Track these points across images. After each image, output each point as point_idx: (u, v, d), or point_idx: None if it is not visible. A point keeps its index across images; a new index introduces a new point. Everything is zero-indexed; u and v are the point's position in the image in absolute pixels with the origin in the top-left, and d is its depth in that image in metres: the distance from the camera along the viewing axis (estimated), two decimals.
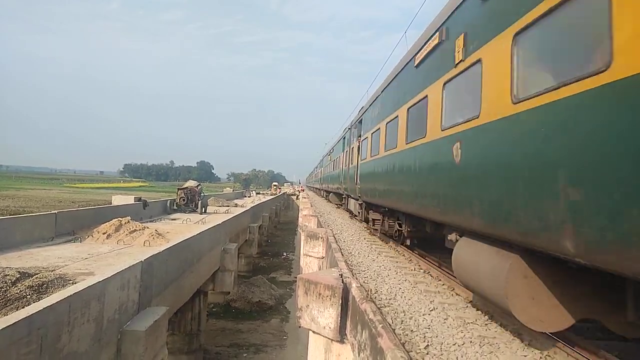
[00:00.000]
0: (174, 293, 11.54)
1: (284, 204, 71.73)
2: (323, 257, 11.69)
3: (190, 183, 31.83)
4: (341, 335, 5.81)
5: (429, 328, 5.07)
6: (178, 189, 30.89)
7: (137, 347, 8.07)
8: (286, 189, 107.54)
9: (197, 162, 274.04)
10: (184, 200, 29.37)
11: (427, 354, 4.33)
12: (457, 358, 4.26)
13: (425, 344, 4.55)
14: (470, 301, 6.46)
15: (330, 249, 10.00)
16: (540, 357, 4.41)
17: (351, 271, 7.55)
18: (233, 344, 19.18)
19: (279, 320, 22.58)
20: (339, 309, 5.80)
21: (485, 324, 5.39)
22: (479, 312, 5.96)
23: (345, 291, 5.92)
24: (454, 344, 4.58)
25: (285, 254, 39.94)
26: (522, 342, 4.81)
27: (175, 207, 28.94)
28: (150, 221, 22.74)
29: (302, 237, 14.68)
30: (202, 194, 31.05)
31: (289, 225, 58.66)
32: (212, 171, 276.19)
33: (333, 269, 7.30)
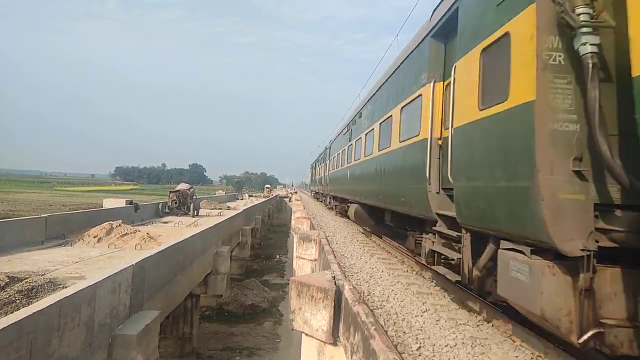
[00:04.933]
0: (166, 296, 11.47)
1: (276, 206, 71.60)
2: (316, 260, 11.68)
3: (183, 186, 31.67)
4: (334, 337, 5.80)
5: (422, 329, 5.09)
6: (170, 191, 30.69)
7: (129, 351, 8.00)
8: (279, 191, 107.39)
9: (190, 165, 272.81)
10: (176, 203, 29.20)
11: (420, 355, 4.35)
12: (449, 359, 4.28)
13: (418, 345, 4.57)
14: (455, 299, 6.49)
15: (323, 251, 10.00)
16: (532, 358, 4.45)
17: (344, 273, 7.55)
18: (226, 347, 19.08)
19: (272, 323, 22.51)
20: (332, 311, 5.79)
21: (477, 325, 5.42)
22: (471, 313, 6.00)
23: (338, 293, 5.92)
24: (446, 345, 4.60)
25: (278, 256, 39.86)
26: (514, 342, 4.85)
27: (167, 210, 28.77)
28: (142, 224, 22.60)
29: (295, 240, 14.65)
30: (194, 197, 30.91)
31: (281, 227, 58.52)
32: (205, 174, 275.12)
33: (326, 271, 7.30)
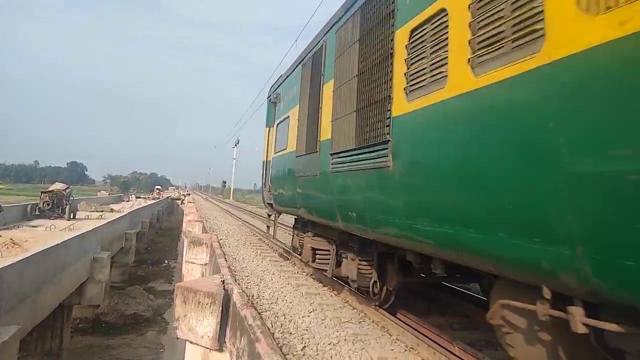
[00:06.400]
0: (30, 309, 10.19)
1: (167, 209, 67.82)
2: (207, 264, 11.33)
3: (57, 185, 28.33)
4: (220, 343, 5.68)
5: (307, 329, 5.22)
6: (42, 192, 27.27)
7: None
8: (170, 193, 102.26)
9: (68, 163, 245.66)
10: (48, 204, 25.98)
11: (304, 355, 4.45)
12: (331, 357, 4.45)
13: (303, 345, 4.67)
14: (346, 297, 6.79)
15: (215, 254, 9.74)
16: (406, 350, 4.82)
17: (234, 277, 7.45)
18: None
19: (156, 332, 21.19)
20: (219, 316, 5.66)
21: (360, 322, 5.72)
22: (355, 310, 6.31)
23: (227, 298, 5.82)
24: (329, 343, 4.77)
25: (167, 261, 37.79)
26: (391, 336, 5.21)
27: (37, 213, 25.52)
28: (6, 228, 19.75)
29: (185, 243, 14.06)
30: (70, 198, 27.93)
31: (172, 231, 55.50)
32: (86, 173, 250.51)
33: (215, 276, 7.12)
